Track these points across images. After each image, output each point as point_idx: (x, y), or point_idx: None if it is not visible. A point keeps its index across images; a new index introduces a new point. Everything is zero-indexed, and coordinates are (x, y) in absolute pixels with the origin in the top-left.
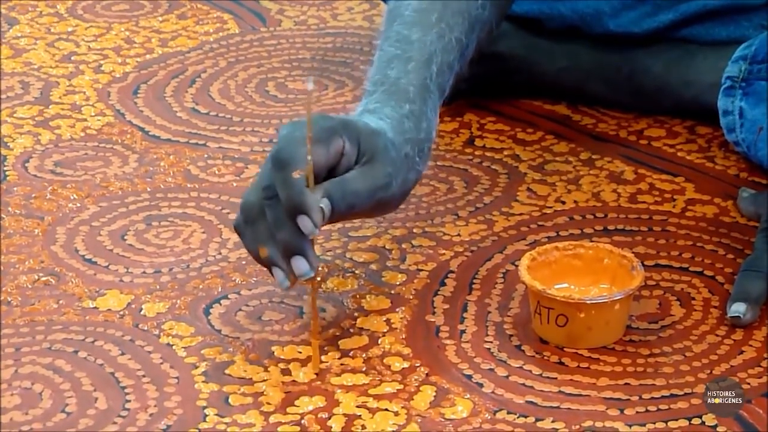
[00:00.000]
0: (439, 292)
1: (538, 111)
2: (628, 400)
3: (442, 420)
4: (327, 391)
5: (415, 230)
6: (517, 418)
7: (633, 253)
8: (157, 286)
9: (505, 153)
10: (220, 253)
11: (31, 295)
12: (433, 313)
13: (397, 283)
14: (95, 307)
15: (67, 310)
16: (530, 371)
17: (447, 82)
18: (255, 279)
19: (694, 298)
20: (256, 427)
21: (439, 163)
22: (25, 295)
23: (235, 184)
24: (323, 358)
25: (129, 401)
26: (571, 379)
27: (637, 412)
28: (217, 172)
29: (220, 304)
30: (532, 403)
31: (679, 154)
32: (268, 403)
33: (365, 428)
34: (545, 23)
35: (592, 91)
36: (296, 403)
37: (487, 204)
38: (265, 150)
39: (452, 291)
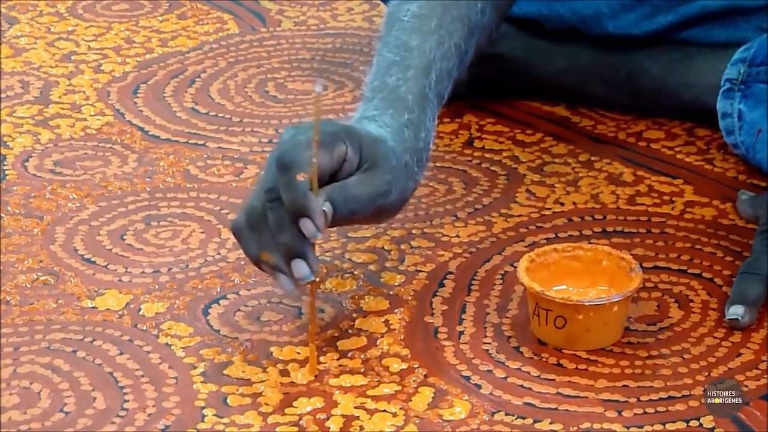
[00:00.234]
0: (437, 294)
1: (537, 112)
2: (627, 401)
3: (441, 421)
4: (325, 392)
5: (414, 231)
6: (516, 419)
7: (631, 254)
8: (156, 286)
9: (504, 154)
10: (219, 254)
11: (30, 294)
12: (432, 315)
13: (396, 284)
14: (94, 307)
15: (65, 309)
16: (528, 373)
17: (446, 89)
18: (254, 279)
19: (692, 300)
20: (255, 427)
21: (438, 164)
22: (24, 294)
23: (234, 185)
24: (321, 359)
25: (127, 401)
26: (569, 381)
27: (635, 413)
28: (216, 172)
29: (219, 305)
30: (530, 404)
31: (678, 156)
32: (267, 404)
33: (363, 429)
34: (544, 25)
35: (591, 92)
36: (294, 403)
37: (486, 205)
38: (265, 150)
39: (451, 292)
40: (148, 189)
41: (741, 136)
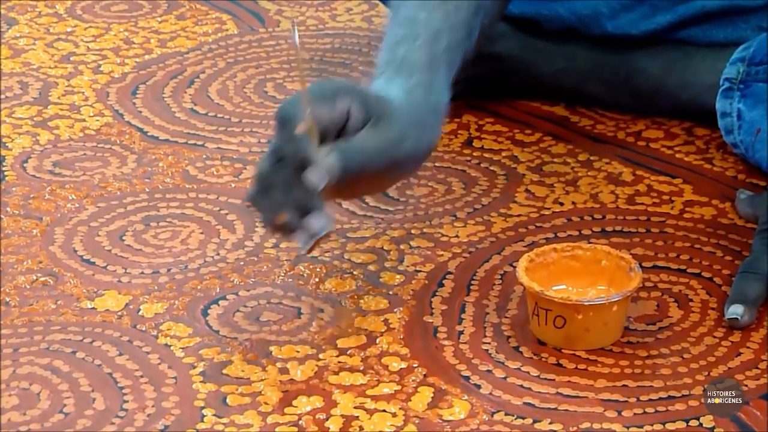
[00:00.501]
0: (437, 293)
1: (536, 112)
2: (626, 401)
3: (440, 421)
4: (325, 391)
5: (413, 231)
6: (515, 419)
7: (631, 254)
8: (156, 287)
9: (504, 154)
10: (218, 254)
11: (30, 295)
12: (431, 314)
13: (395, 284)
14: (93, 308)
15: (65, 310)
16: (528, 372)
17: (455, 59)
18: (253, 280)
19: (691, 300)
20: (254, 427)
21: (437, 164)
22: (24, 295)
23: (233, 185)
24: (321, 356)
25: (127, 401)
26: (568, 381)
27: (634, 413)
28: (215, 172)
29: (218, 305)
30: (529, 404)
31: (677, 155)
32: (266, 404)
33: (363, 429)
34: (543, 24)
35: (590, 92)
36: (294, 403)
37: (485, 205)
38: (264, 150)
39: (450, 292)
40: (147, 190)
41: (740, 136)
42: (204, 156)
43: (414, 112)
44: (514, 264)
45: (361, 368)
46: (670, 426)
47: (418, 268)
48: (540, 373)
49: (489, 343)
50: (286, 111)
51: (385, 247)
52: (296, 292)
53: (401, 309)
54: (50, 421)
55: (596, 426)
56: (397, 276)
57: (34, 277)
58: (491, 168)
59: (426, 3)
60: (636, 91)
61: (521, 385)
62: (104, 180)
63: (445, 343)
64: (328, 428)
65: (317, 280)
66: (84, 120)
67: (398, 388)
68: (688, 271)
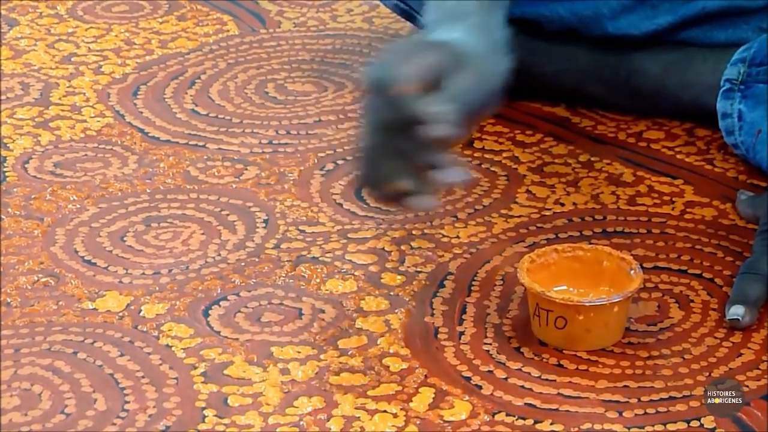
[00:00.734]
0: (437, 294)
1: (537, 113)
2: (627, 402)
3: (441, 422)
4: (326, 392)
5: (414, 232)
6: (516, 420)
7: (632, 255)
8: (157, 288)
9: (504, 155)
10: (219, 255)
11: (31, 296)
12: (432, 315)
13: (396, 284)
14: (94, 309)
15: (66, 311)
16: (529, 373)
17: (501, 15)
18: (254, 280)
19: (692, 301)
20: (255, 428)
21: None
22: (25, 296)
23: (234, 186)
24: (321, 356)
25: (128, 402)
26: (569, 382)
27: (635, 414)
28: (216, 173)
29: (220, 306)
30: (530, 405)
31: (678, 156)
32: (267, 404)
33: (364, 430)
34: (544, 25)
35: (591, 93)
36: (295, 404)
37: (486, 206)
38: (265, 151)
39: (451, 293)
40: (148, 190)
41: (741, 137)
42: (205, 157)
43: (483, 51)
44: (515, 265)
45: (362, 369)
46: (671, 427)
47: (419, 269)
48: (541, 373)
49: (490, 344)
50: (380, 76)
51: (386, 248)
52: (297, 293)
53: (402, 310)
54: (51, 421)
55: (597, 427)
56: (398, 277)
57: (36, 278)
58: (492, 169)
59: None
60: (637, 91)
61: (522, 386)
62: (105, 181)
63: (446, 343)
64: (329, 429)
65: (318, 280)
66: (85, 121)
67: (399, 388)
68: (689, 271)
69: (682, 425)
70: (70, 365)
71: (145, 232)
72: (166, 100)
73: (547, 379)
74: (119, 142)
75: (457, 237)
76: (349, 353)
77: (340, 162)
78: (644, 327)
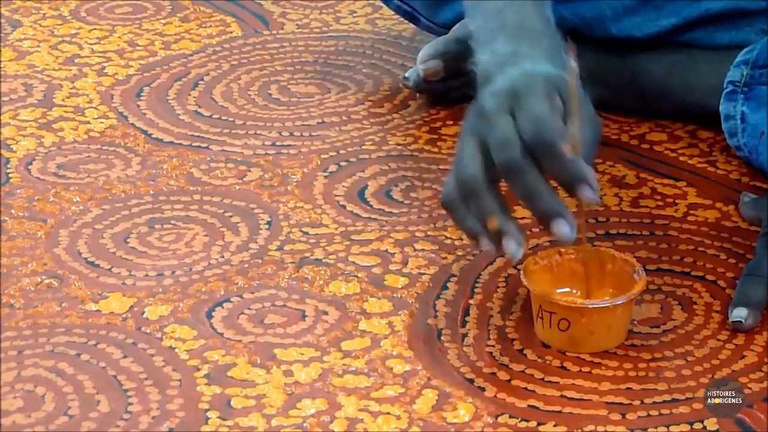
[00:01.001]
0: (441, 296)
1: None
2: (630, 404)
3: (444, 424)
4: (329, 393)
5: (417, 234)
6: (519, 422)
7: (635, 257)
8: (160, 289)
9: None
10: (222, 256)
11: (34, 297)
12: (435, 317)
13: (399, 286)
14: (98, 310)
15: (69, 312)
16: (532, 375)
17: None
18: (257, 282)
19: (695, 303)
20: (258, 429)
21: (441, 167)
22: (28, 297)
23: (237, 187)
24: (325, 358)
25: (131, 404)
26: (572, 384)
27: (638, 416)
28: (219, 174)
29: (223, 307)
30: (534, 407)
31: (680, 158)
32: (270, 406)
33: None
34: None
35: (594, 94)
36: (298, 406)
37: None
38: (268, 153)
39: (454, 295)
40: (151, 192)
41: (744, 139)
42: (208, 158)
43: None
44: (518, 267)
45: (366, 371)
46: (674, 429)
47: (422, 271)
48: (544, 375)
49: (493, 346)
50: (548, 131)
51: (389, 250)
52: (300, 295)
53: (405, 312)
54: (55, 423)
55: (600, 429)
56: (401, 278)
57: (39, 280)
58: None
59: None
60: (640, 93)
61: (525, 388)
62: (108, 182)
63: (449, 345)
64: (333, 431)
65: (321, 282)
66: (88, 122)
67: (402, 390)
68: (692, 274)
69: (685, 427)
70: (74, 367)
71: (149, 234)
72: (170, 101)
73: (550, 381)
74: (122, 144)
75: (460, 239)
76: (353, 355)
77: (343, 164)
78: (647, 329)
